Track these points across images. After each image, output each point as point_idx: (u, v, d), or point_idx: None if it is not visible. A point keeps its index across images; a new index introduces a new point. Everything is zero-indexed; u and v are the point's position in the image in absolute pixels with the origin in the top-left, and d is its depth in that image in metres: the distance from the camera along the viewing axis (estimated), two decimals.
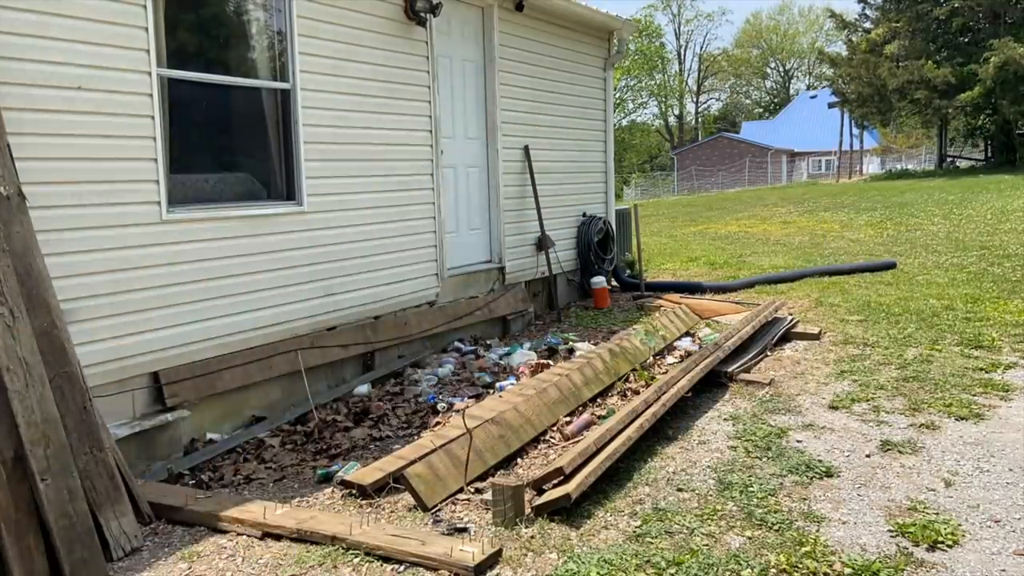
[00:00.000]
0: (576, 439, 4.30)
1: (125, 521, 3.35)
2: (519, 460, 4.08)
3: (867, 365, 5.42)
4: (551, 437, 4.35)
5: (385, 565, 3.03)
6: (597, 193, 9.04)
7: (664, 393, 4.41)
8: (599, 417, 4.61)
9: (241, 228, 4.86)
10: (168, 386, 4.40)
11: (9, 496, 2.99)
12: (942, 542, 3.00)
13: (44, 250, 3.48)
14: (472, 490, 3.69)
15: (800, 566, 2.85)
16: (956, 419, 4.34)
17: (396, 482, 3.73)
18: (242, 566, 3.11)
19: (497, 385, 5.33)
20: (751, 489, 3.52)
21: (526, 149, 7.64)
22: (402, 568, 3.00)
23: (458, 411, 4.79)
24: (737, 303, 7.75)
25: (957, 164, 32.26)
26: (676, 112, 65.62)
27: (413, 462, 3.79)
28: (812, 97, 55.33)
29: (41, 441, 3.10)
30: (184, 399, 4.46)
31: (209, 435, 4.62)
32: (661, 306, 7.99)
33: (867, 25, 32.84)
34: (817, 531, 3.14)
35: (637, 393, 5.03)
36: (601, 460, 3.54)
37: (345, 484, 3.80)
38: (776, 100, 68.43)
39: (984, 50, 26.08)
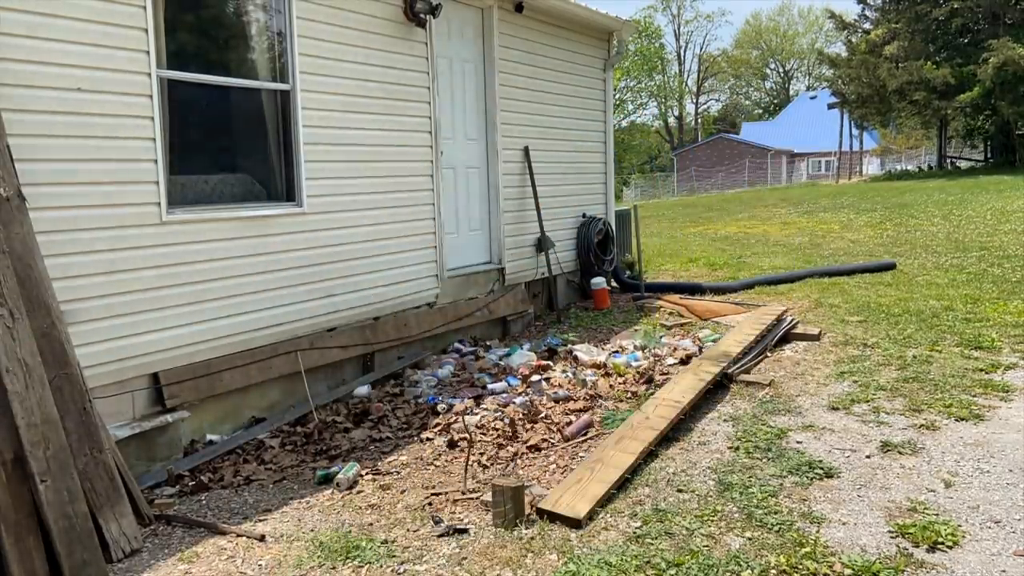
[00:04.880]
0: (576, 439, 4.30)
1: (125, 522, 3.35)
2: (518, 460, 4.08)
3: (867, 366, 5.41)
4: (551, 438, 4.35)
5: (385, 567, 3.03)
6: (597, 194, 9.04)
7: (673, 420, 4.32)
8: (601, 419, 4.61)
9: (241, 229, 4.86)
10: (168, 387, 4.40)
11: (9, 497, 2.99)
12: (942, 543, 3.00)
13: (44, 251, 3.48)
14: (471, 492, 3.69)
15: (800, 567, 2.85)
16: (956, 420, 4.34)
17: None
18: (242, 567, 3.11)
19: (495, 387, 5.34)
20: (751, 490, 3.52)
21: (526, 150, 7.64)
22: (402, 569, 3.00)
23: (458, 412, 4.79)
24: (737, 304, 7.75)
25: (958, 165, 32.25)
26: (676, 113, 65.66)
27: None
28: (812, 98, 55.34)
29: (41, 442, 3.09)
30: (184, 400, 4.45)
31: (209, 436, 4.62)
32: (661, 307, 7.99)
33: (867, 26, 32.83)
34: (817, 532, 3.13)
35: (636, 395, 5.04)
36: (609, 488, 3.52)
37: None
38: (776, 101, 68.46)
39: (983, 51, 26.08)
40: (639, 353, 6.05)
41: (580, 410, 4.78)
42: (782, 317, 6.62)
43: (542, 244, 7.82)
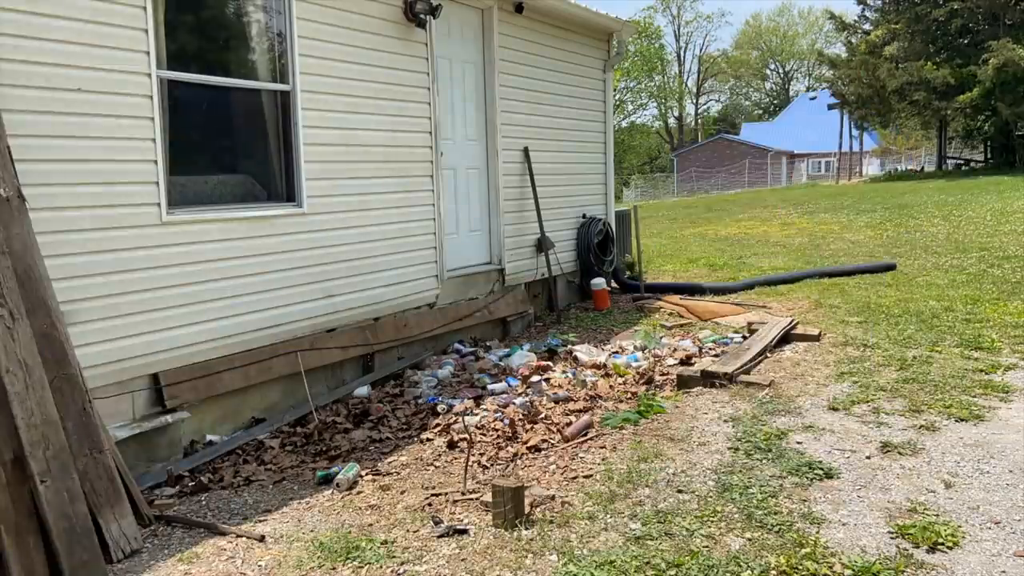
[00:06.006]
0: (576, 439, 4.30)
1: (125, 523, 3.35)
2: (518, 461, 4.08)
3: (867, 367, 5.41)
4: (551, 439, 4.35)
5: (385, 568, 3.03)
6: (597, 195, 9.04)
7: None
8: (601, 420, 4.60)
9: (241, 230, 4.86)
10: (168, 388, 4.40)
11: (9, 498, 2.99)
12: (942, 543, 3.00)
13: (44, 252, 3.48)
14: (471, 493, 3.69)
15: (800, 568, 2.85)
16: (956, 420, 4.34)
17: None
18: (242, 568, 3.11)
19: (495, 387, 5.33)
20: (751, 491, 3.52)
21: (526, 151, 7.64)
22: (402, 570, 3.00)
23: (458, 413, 4.79)
24: (737, 304, 7.75)
25: (959, 166, 32.24)
26: (676, 114, 65.66)
27: None
28: (811, 99, 55.33)
29: (41, 443, 3.09)
30: (184, 400, 4.45)
31: (209, 437, 4.62)
32: (661, 307, 7.99)
33: (866, 27, 32.88)
34: (817, 533, 3.13)
35: (636, 396, 5.03)
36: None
37: None
38: (776, 102, 68.50)
39: (983, 51, 26.09)
40: (639, 354, 6.05)
41: (580, 411, 4.78)
42: (793, 326, 6.64)
43: (542, 245, 7.82)
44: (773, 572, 2.84)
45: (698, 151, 52.16)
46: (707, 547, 3.04)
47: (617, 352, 6.19)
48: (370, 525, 3.44)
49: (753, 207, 21.11)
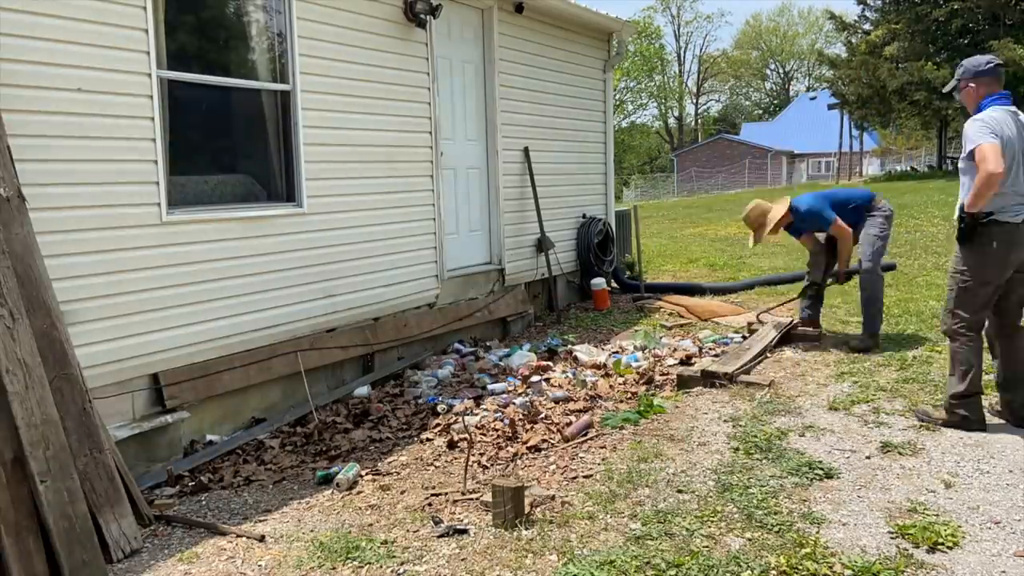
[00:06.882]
0: (576, 439, 4.30)
1: (125, 523, 3.35)
2: (518, 461, 4.08)
3: (867, 367, 5.41)
4: (551, 439, 4.35)
5: (385, 568, 3.03)
6: (597, 195, 9.04)
7: None
8: (601, 420, 4.60)
9: (241, 230, 4.86)
10: (168, 387, 4.40)
11: (8, 498, 2.99)
12: (942, 543, 3.00)
13: (44, 252, 3.48)
14: (471, 493, 3.69)
15: (800, 568, 2.85)
16: None
17: None
18: (242, 567, 3.11)
19: (495, 387, 5.33)
20: (751, 491, 3.52)
21: (526, 151, 7.64)
22: (402, 570, 3.00)
23: (458, 413, 4.79)
24: (737, 304, 7.74)
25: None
26: (676, 114, 65.66)
27: None
28: (812, 99, 55.35)
29: (41, 443, 3.09)
30: (184, 400, 4.45)
31: (209, 436, 4.62)
32: (661, 307, 7.99)
33: (867, 27, 32.87)
34: (817, 532, 3.13)
35: (636, 396, 5.03)
36: None
37: None
38: (776, 102, 68.50)
39: (984, 51, 26.06)
40: (639, 354, 6.05)
41: (580, 411, 4.78)
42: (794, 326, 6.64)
43: (542, 245, 7.82)
44: (773, 572, 2.84)
45: (698, 151, 52.13)
46: (707, 547, 3.04)
47: (617, 352, 6.19)
48: (370, 525, 3.44)
49: None
